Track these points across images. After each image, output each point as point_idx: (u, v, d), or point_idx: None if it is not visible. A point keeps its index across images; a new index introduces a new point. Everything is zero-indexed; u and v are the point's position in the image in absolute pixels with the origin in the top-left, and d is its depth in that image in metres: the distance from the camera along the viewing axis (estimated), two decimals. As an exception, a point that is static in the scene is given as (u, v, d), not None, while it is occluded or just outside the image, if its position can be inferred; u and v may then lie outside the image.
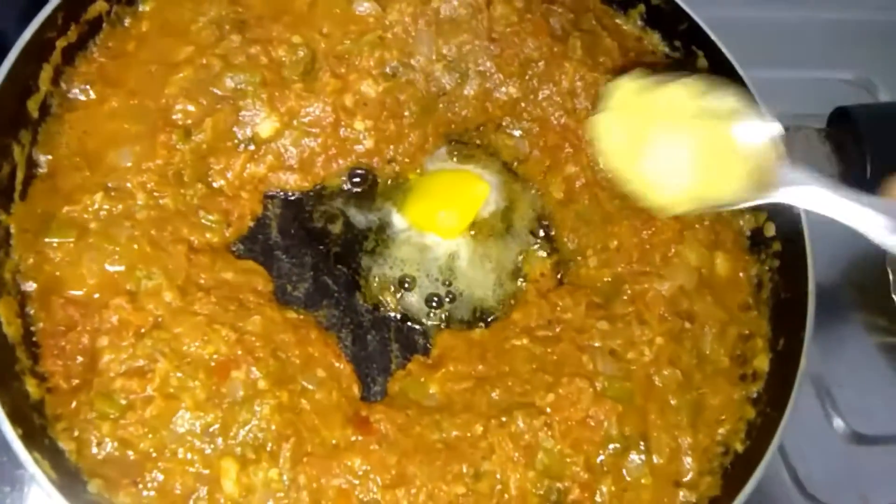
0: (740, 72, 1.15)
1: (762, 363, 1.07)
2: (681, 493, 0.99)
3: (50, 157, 1.04)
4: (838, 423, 1.29)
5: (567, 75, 1.18)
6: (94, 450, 0.89)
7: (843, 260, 1.38)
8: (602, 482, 0.98)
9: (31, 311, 0.96)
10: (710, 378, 1.06)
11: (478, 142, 1.23)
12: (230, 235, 1.09)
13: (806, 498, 1.23)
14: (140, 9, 1.13)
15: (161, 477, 0.89)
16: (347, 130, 1.14)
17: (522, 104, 1.21)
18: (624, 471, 1.00)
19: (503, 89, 1.20)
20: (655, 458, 1.00)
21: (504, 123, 1.22)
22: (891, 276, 1.31)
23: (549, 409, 1.00)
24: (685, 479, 1.00)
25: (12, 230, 0.98)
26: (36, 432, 0.87)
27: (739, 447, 1.02)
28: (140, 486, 0.89)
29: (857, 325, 1.37)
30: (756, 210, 1.14)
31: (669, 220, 1.12)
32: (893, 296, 1.30)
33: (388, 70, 1.16)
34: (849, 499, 1.24)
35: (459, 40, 1.18)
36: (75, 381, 0.93)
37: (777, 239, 1.11)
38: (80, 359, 0.94)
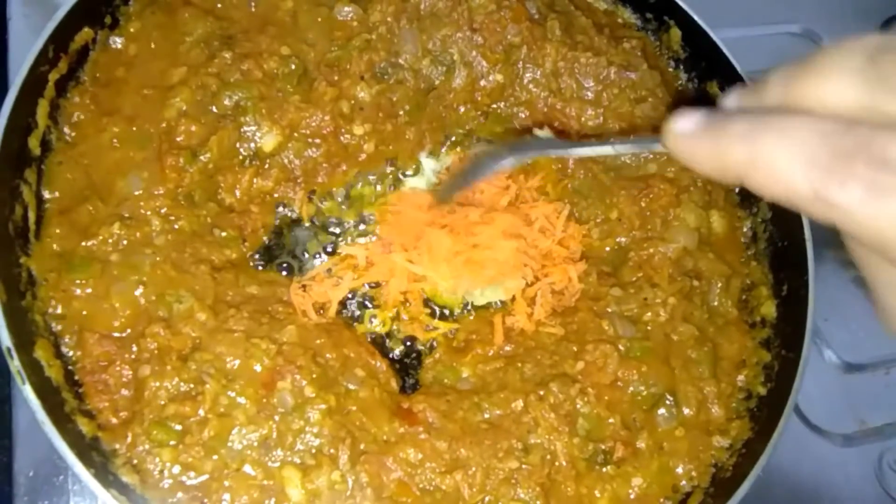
0: (712, 36, 1.21)
1: (769, 310, 1.14)
2: (714, 440, 1.05)
3: (58, 193, 1.03)
4: (829, 354, 1.38)
5: (550, 57, 1.22)
6: (158, 478, 0.90)
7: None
8: (639, 438, 1.04)
9: (68, 352, 0.95)
10: (723, 329, 1.13)
11: (466, 128, 1.26)
12: (248, 250, 1.10)
13: (809, 428, 1.32)
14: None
15: (228, 496, 0.91)
16: (348, 136, 1.16)
17: (509, 90, 1.24)
18: (657, 425, 1.05)
19: (490, 77, 1.23)
20: (686, 410, 1.06)
21: (493, 108, 1.25)
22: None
23: (580, 377, 1.05)
24: (716, 427, 1.06)
25: (35, 272, 0.97)
26: (99, 470, 0.87)
27: (762, 390, 1.08)
28: (209, 507, 0.90)
29: (832, 262, 1.44)
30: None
31: (665, 186, 1.17)
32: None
33: (377, 71, 1.18)
34: (847, 424, 1.33)
35: (442, 34, 1.21)
36: (123, 414, 0.94)
37: (766, 190, 1.17)
38: (124, 391, 0.94)
